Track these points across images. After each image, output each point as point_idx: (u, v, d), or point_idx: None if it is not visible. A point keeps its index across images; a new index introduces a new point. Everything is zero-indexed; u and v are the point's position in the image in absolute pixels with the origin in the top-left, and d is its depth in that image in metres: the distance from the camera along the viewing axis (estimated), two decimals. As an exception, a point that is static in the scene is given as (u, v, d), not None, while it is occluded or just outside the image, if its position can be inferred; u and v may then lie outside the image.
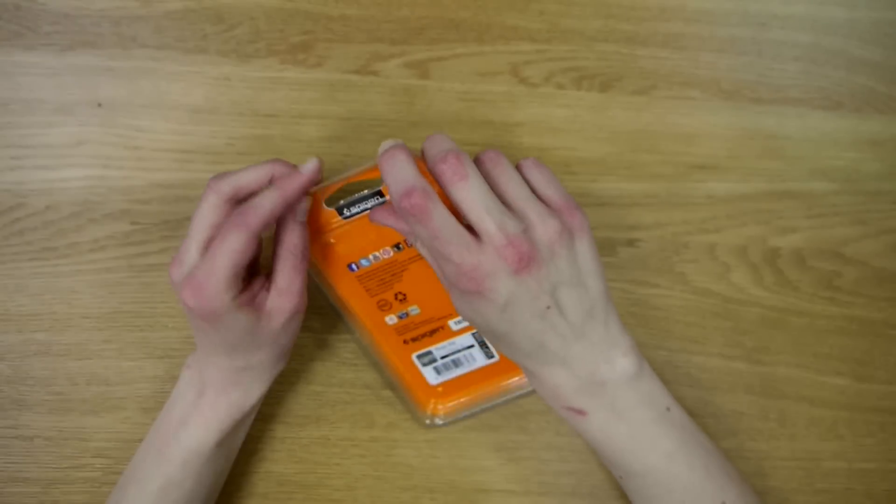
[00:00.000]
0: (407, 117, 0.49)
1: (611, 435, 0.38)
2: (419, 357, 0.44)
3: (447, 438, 0.47)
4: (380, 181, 0.39)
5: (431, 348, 0.44)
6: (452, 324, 0.43)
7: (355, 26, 0.49)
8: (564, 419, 0.38)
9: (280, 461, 0.46)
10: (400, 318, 0.43)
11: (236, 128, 0.48)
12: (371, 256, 0.41)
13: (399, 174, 0.34)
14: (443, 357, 0.44)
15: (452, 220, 0.34)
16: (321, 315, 0.47)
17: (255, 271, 0.40)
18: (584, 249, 0.36)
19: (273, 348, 0.39)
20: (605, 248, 0.49)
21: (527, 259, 0.33)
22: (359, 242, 0.41)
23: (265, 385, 0.41)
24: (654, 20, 0.50)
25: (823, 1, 0.51)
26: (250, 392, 0.40)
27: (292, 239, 0.38)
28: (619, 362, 0.37)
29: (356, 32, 0.49)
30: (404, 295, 0.42)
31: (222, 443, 0.40)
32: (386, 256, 0.41)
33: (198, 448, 0.40)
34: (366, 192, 0.40)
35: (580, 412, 0.37)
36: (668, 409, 0.38)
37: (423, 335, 0.44)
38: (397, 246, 0.41)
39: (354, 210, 0.40)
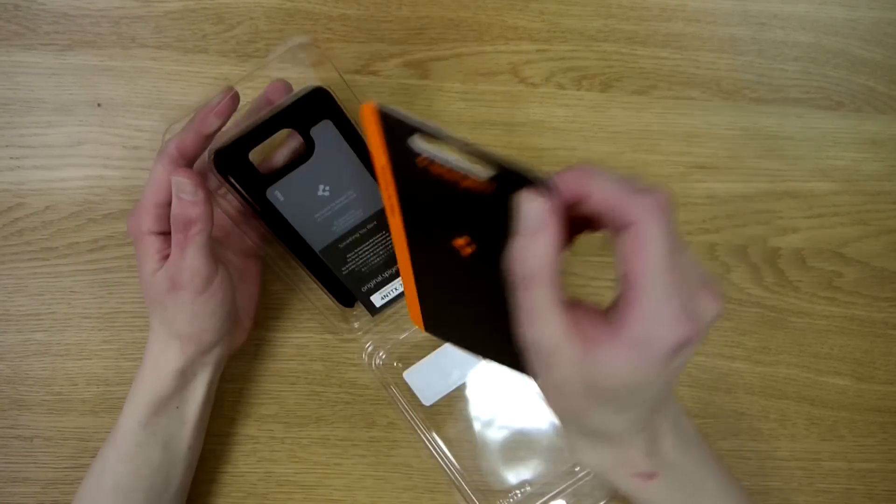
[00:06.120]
0: (407, 117, 0.49)
1: (681, 491, 0.35)
2: None
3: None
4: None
5: None
6: None
7: (355, 26, 0.49)
8: (628, 492, 0.35)
9: (280, 461, 0.46)
10: None
11: (236, 128, 0.48)
12: None
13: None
14: None
15: None
16: (321, 315, 0.47)
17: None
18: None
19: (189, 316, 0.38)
20: (605, 248, 0.49)
21: None
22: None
23: (204, 369, 0.41)
24: (654, 20, 0.50)
25: (824, 1, 0.51)
26: (166, 364, 0.39)
27: (174, 209, 0.36)
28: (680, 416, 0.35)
29: (356, 32, 0.49)
30: None
31: (149, 426, 0.39)
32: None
33: (126, 425, 0.40)
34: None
35: (650, 475, 0.35)
36: (719, 459, 0.36)
37: None
38: None
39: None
